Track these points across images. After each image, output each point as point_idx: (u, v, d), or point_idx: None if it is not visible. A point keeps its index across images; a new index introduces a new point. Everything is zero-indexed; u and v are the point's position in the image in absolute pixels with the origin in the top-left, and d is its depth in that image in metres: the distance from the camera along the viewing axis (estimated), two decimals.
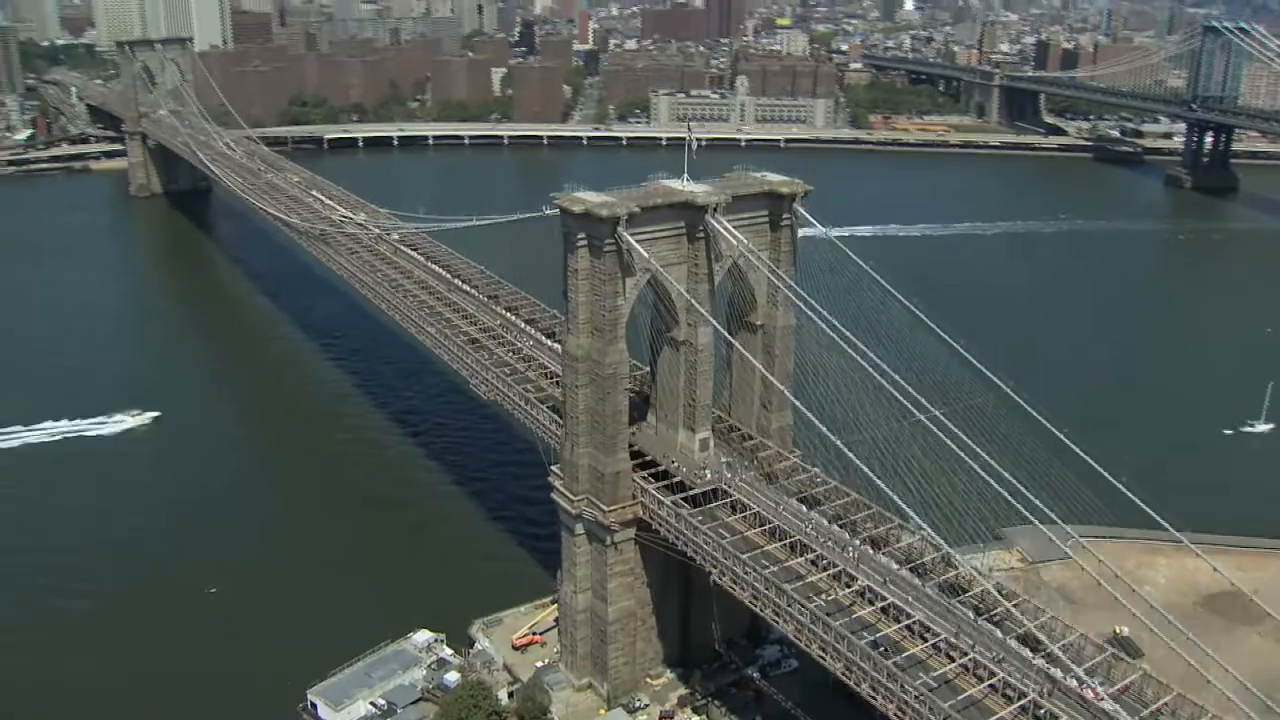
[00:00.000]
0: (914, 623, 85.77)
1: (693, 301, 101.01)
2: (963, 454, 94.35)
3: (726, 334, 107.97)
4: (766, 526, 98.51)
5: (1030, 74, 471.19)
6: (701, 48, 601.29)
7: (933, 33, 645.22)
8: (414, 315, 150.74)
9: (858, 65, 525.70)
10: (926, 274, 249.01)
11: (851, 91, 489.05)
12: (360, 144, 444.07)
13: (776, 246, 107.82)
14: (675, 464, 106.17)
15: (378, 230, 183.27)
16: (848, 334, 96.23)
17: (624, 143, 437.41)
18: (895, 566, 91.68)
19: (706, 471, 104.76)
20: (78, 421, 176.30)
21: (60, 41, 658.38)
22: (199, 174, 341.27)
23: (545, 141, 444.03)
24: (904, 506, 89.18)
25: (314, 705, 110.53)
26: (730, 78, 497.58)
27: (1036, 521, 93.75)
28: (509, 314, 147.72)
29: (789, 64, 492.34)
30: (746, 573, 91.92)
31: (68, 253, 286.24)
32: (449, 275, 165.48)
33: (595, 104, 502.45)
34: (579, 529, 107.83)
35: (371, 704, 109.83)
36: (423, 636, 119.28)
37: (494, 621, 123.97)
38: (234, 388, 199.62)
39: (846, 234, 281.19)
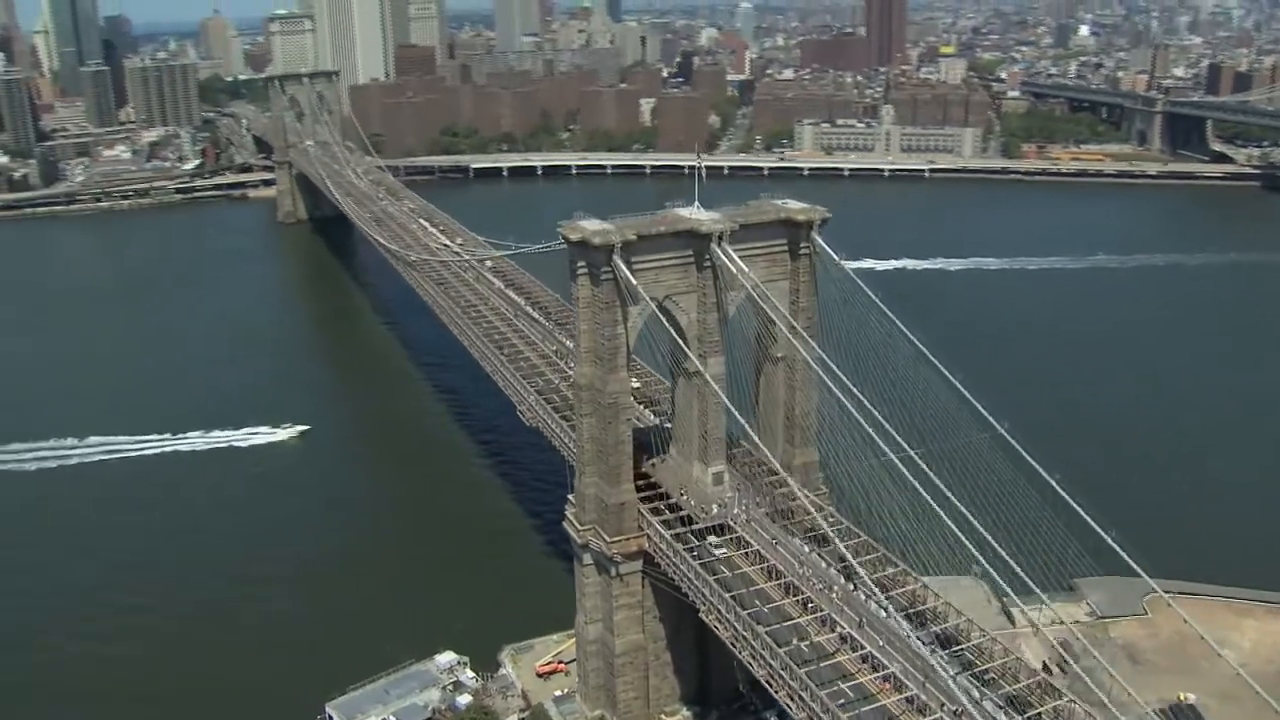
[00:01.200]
0: (889, 674, 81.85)
1: (668, 336, 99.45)
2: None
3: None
4: (765, 565, 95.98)
5: (1196, 99, 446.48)
6: (859, 77, 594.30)
7: (1104, 58, 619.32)
8: (477, 340, 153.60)
9: (1015, 93, 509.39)
10: (1039, 309, 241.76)
11: (1006, 120, 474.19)
12: (505, 173, 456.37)
13: (796, 276, 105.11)
14: (685, 496, 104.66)
15: (468, 257, 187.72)
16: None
17: (765, 172, 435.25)
18: (884, 614, 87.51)
19: (714, 506, 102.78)
20: (230, 431, 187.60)
21: (243, 77, 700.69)
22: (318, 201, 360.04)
23: (686, 171, 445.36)
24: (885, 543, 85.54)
25: (330, 718, 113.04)
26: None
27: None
28: (571, 341, 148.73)
29: (940, 92, 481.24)
30: (728, 611, 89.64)
31: (219, 275, 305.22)
32: (523, 301, 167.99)
33: (744, 134, 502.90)
34: (587, 559, 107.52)
35: (384, 719, 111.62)
36: (446, 658, 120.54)
37: (525, 648, 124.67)
38: (368, 404, 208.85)
39: (971, 266, 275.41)
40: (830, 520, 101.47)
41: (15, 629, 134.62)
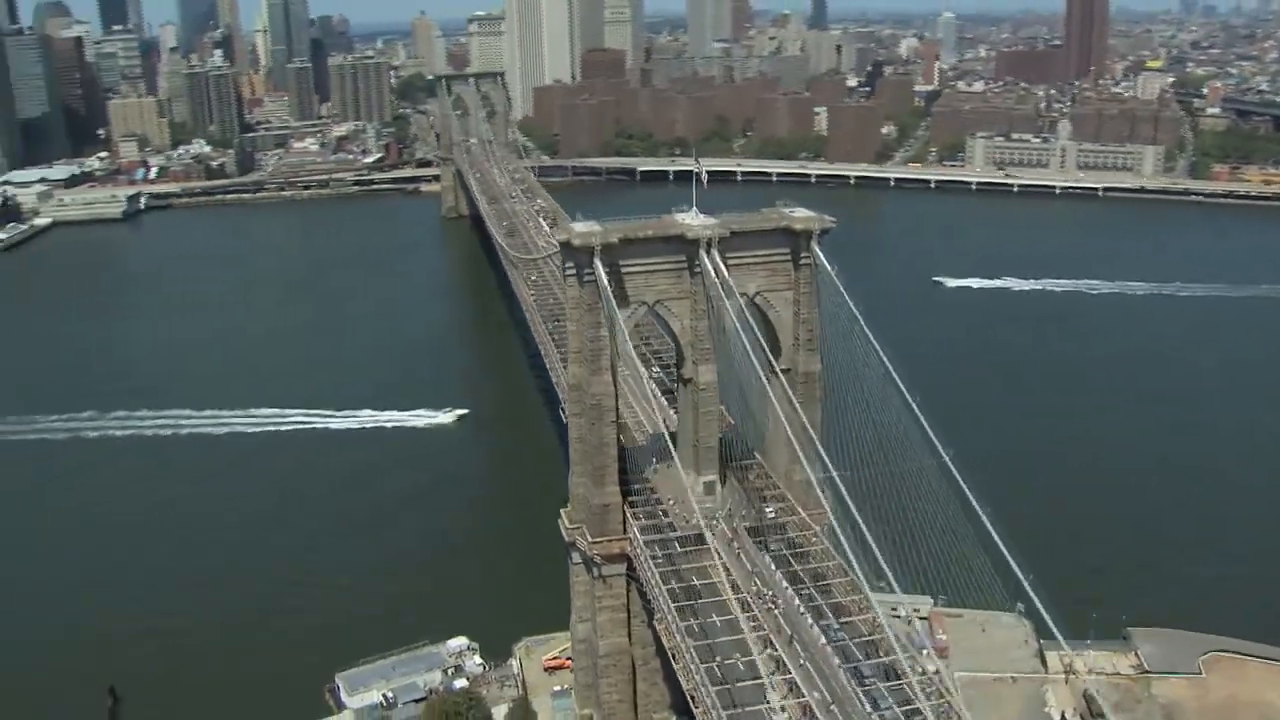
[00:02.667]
0: (803, 702, 79.84)
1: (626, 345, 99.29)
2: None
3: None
4: (730, 579, 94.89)
5: None
6: (1053, 90, 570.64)
7: None
8: (545, 338, 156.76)
9: (1215, 110, 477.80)
10: (1174, 335, 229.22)
11: (1201, 138, 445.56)
12: (671, 177, 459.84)
13: (798, 287, 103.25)
14: (672, 503, 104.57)
15: None
16: None
17: (932, 185, 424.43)
18: (822, 640, 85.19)
19: (696, 516, 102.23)
20: (396, 412, 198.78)
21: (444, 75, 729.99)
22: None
23: (852, 181, 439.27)
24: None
25: (337, 687, 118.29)
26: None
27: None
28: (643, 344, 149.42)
29: (1128, 107, 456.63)
30: (671, 621, 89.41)
31: (386, 264, 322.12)
32: None
33: (921, 146, 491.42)
34: (575, 558, 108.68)
35: (383, 695, 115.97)
36: (457, 643, 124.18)
37: (541, 642, 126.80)
38: (525, 392, 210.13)
39: (1115, 289, 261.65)
40: (810, 540, 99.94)
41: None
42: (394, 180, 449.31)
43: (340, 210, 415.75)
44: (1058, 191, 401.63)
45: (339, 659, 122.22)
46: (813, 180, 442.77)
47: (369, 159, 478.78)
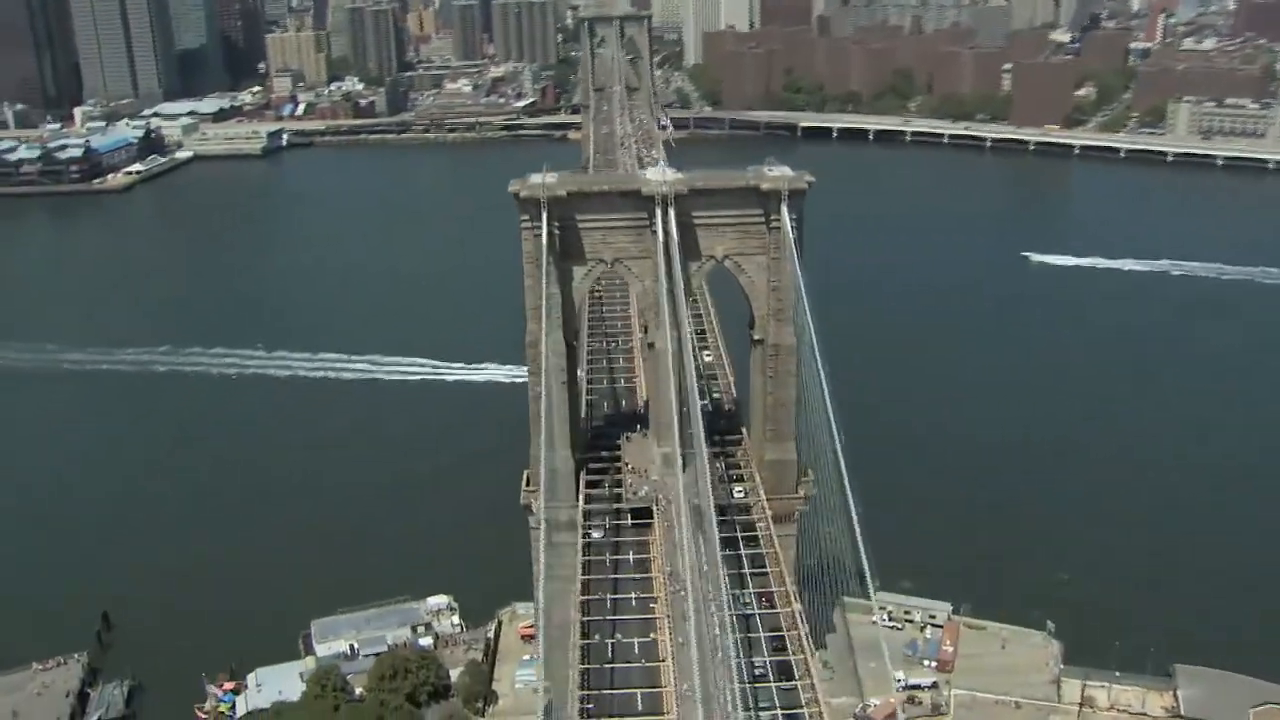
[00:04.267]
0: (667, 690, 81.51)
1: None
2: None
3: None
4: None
5: None
6: None
7: None
8: None
9: None
10: None
11: None
12: (834, 134, 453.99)
13: (769, 251, 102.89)
14: (630, 469, 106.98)
15: None
16: None
17: (1122, 155, 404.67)
18: (716, 630, 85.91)
19: (645, 487, 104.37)
20: (500, 366, 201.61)
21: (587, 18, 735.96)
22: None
23: (1031, 147, 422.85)
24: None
25: (310, 633, 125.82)
26: None
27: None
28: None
29: None
30: (575, 596, 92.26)
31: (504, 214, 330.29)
32: None
33: (1122, 110, 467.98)
34: (533, 522, 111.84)
35: (349, 645, 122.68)
36: (436, 600, 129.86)
37: (529, 608, 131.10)
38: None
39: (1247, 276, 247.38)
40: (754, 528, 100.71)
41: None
42: (543, 126, 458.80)
43: (482, 155, 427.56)
44: (1272, 166, 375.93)
45: (331, 605, 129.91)
46: (988, 145, 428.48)
47: (521, 103, 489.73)
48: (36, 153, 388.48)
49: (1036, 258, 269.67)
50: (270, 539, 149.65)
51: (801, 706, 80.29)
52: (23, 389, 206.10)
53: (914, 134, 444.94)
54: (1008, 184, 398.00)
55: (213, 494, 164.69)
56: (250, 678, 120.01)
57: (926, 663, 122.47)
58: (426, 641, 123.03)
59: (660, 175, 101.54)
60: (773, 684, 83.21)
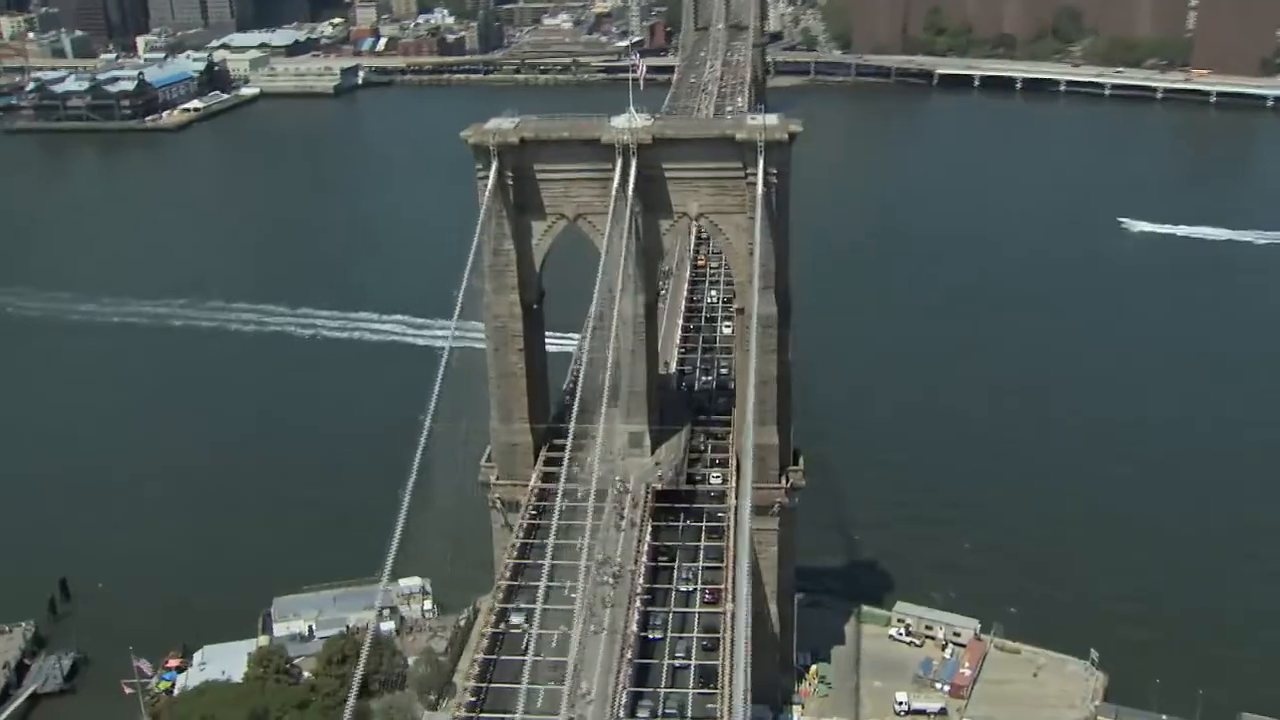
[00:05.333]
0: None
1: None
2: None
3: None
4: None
5: None
6: None
7: None
8: None
9: None
10: None
11: None
12: (975, 84, 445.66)
13: (748, 210, 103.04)
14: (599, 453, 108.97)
15: None
16: None
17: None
18: (633, 628, 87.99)
19: (598, 469, 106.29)
20: None
21: None
22: (753, 98, 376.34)
23: (1212, 99, 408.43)
24: None
25: (270, 611, 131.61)
26: None
27: None
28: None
29: None
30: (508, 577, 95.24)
31: None
32: None
33: None
34: (489, 498, 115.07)
35: (308, 626, 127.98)
36: (409, 583, 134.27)
37: None
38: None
39: None
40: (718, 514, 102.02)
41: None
42: (657, 69, 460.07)
43: (573, 99, 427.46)
44: None
45: (303, 582, 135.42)
46: (1159, 96, 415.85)
47: (625, 42, 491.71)
48: (85, 85, 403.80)
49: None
50: (248, 509, 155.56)
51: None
52: (27, 340, 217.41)
53: (1069, 84, 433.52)
54: (1183, 142, 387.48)
55: (192, 459, 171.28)
56: (197, 655, 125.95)
57: (939, 685, 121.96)
58: (389, 626, 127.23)
59: (626, 122, 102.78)
60: (690, 690, 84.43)
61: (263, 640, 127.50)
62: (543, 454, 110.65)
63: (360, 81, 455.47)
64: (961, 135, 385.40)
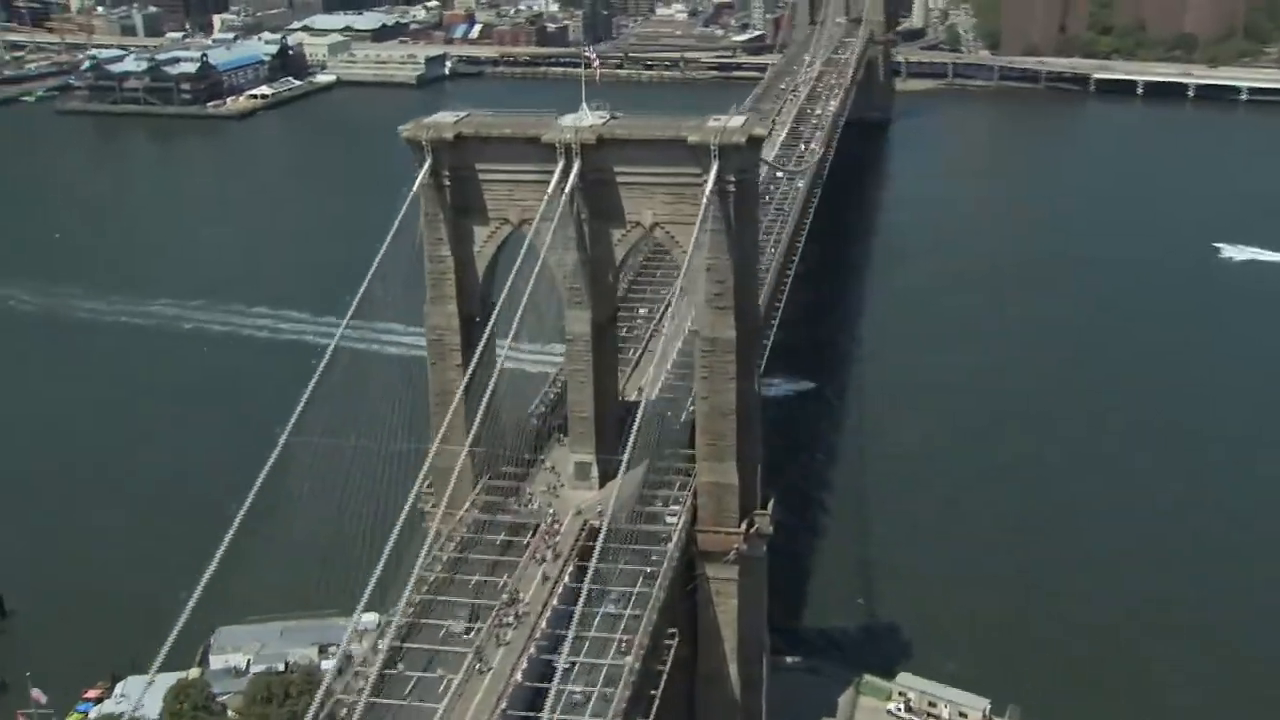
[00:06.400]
0: None
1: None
2: None
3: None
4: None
5: None
6: None
7: None
8: None
9: None
10: None
11: None
12: (1139, 90, 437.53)
13: (705, 221, 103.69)
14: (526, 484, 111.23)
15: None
16: None
17: None
18: (519, 676, 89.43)
19: (533, 501, 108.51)
20: None
21: None
22: (878, 102, 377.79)
23: None
24: None
25: (210, 642, 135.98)
26: None
27: None
28: None
29: None
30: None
31: None
32: None
33: None
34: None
35: (246, 660, 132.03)
36: (368, 618, 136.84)
37: None
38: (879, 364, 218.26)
39: None
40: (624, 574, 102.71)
41: None
42: (760, 67, 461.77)
43: (677, 98, 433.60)
44: None
45: (264, 610, 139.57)
46: None
47: (743, 36, 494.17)
48: (144, 66, 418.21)
49: None
50: (216, 525, 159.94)
51: None
52: (27, 336, 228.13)
53: (1252, 90, 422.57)
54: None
55: (161, 468, 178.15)
56: (119, 687, 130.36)
57: None
58: (328, 664, 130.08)
59: (570, 119, 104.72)
60: None
61: (193, 673, 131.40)
62: (483, 481, 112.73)
63: (447, 72, 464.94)
64: (1117, 149, 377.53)
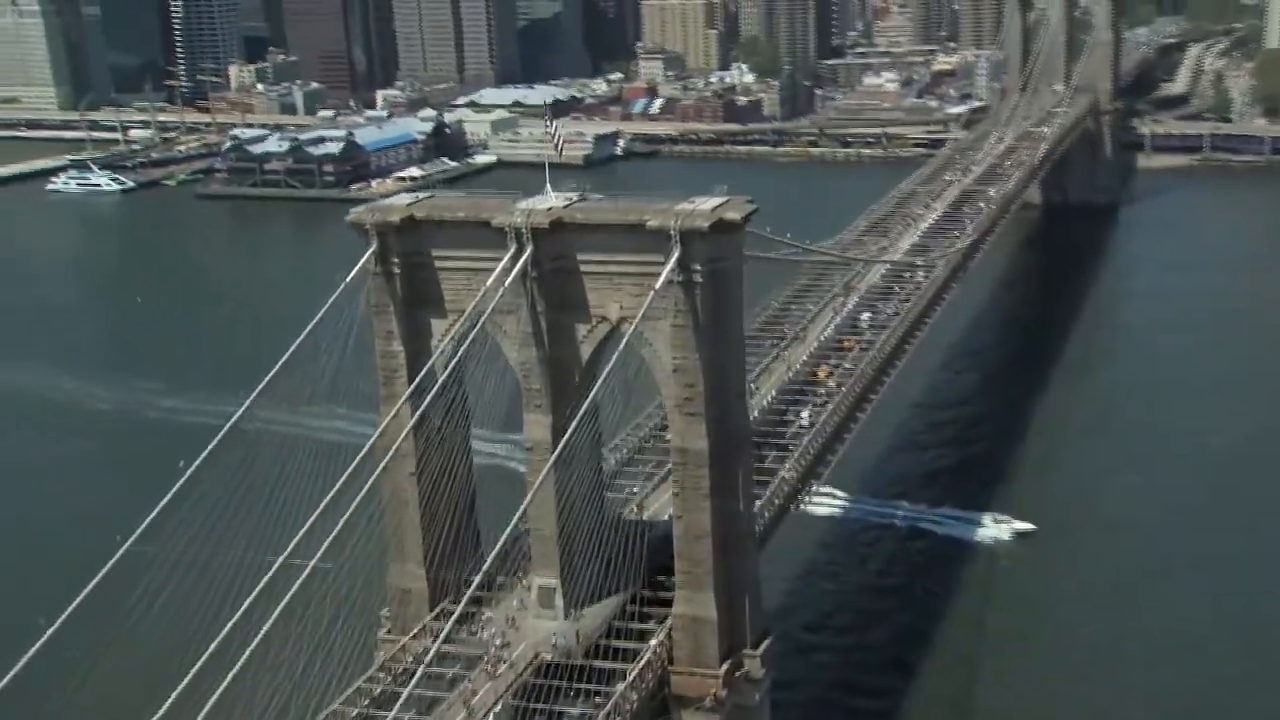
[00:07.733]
0: None
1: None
2: None
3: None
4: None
5: None
6: None
7: None
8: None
9: None
10: None
11: None
12: None
13: (672, 315, 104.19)
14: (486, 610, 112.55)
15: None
16: None
17: None
18: None
19: (483, 634, 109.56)
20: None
21: None
22: (1104, 182, 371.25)
23: None
24: None
25: None
26: None
27: None
28: None
29: None
30: None
31: None
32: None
33: None
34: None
35: None
36: None
37: None
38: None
39: None
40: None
41: None
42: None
43: (879, 179, 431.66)
44: None
45: None
46: None
47: (961, 108, 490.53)
48: (286, 146, 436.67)
49: None
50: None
51: None
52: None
53: None
54: None
55: None
56: None
57: None
58: None
59: (530, 203, 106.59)
60: None
61: None
62: (441, 606, 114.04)
63: (619, 151, 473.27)
64: None
